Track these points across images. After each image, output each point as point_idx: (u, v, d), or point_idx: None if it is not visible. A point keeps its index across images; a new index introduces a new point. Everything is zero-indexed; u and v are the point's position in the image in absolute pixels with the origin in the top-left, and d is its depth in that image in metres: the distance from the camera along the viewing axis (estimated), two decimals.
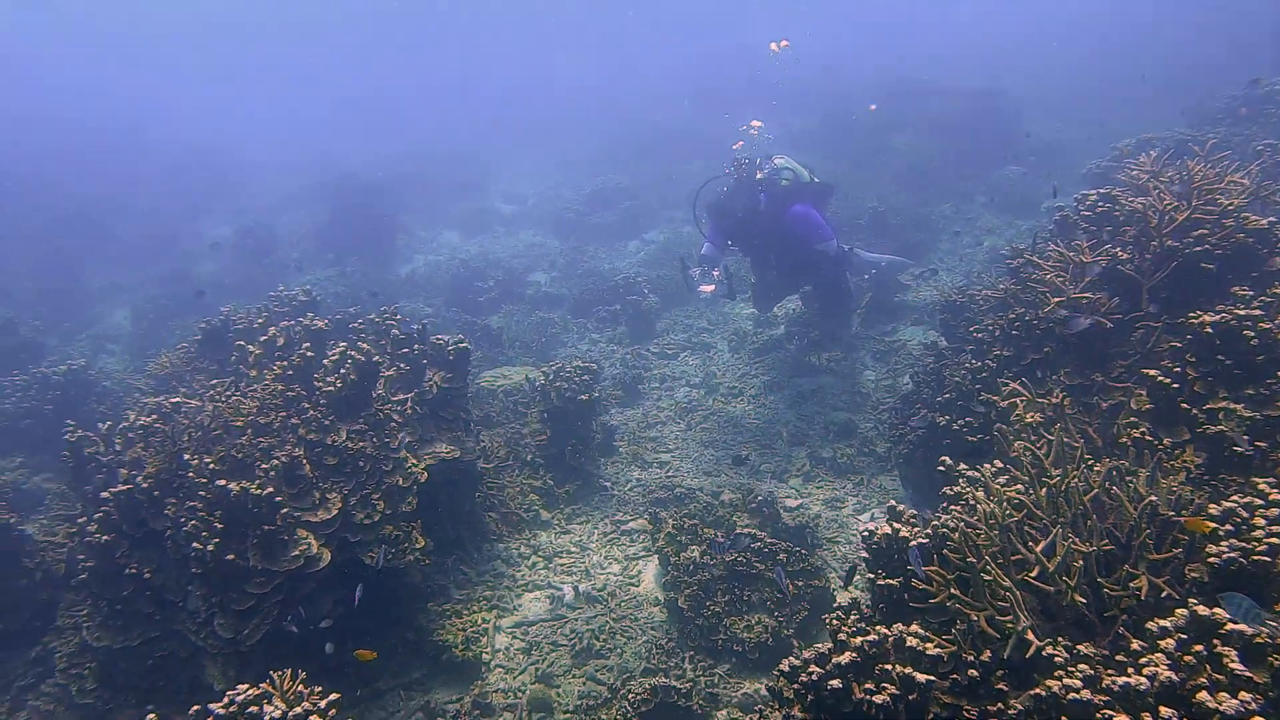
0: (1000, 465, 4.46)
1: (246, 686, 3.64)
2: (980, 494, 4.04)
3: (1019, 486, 4.01)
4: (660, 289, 12.53)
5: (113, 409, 9.93)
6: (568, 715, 5.51)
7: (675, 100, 25.98)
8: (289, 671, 3.99)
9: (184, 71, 48.49)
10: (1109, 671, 2.99)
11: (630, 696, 5.31)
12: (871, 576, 4.00)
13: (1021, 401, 5.16)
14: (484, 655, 5.99)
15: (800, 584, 5.95)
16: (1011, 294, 5.99)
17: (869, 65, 27.06)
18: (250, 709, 3.46)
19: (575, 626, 6.30)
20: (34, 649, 6.42)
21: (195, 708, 3.67)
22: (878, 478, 7.77)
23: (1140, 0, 32.22)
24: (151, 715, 3.95)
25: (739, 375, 10.10)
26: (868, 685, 3.28)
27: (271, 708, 3.46)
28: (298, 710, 3.43)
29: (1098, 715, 2.80)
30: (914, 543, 3.75)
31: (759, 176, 8.56)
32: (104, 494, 5.66)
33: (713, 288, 8.32)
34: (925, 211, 14.00)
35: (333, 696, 3.71)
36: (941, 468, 4.81)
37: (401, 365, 6.58)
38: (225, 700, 3.56)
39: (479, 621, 6.29)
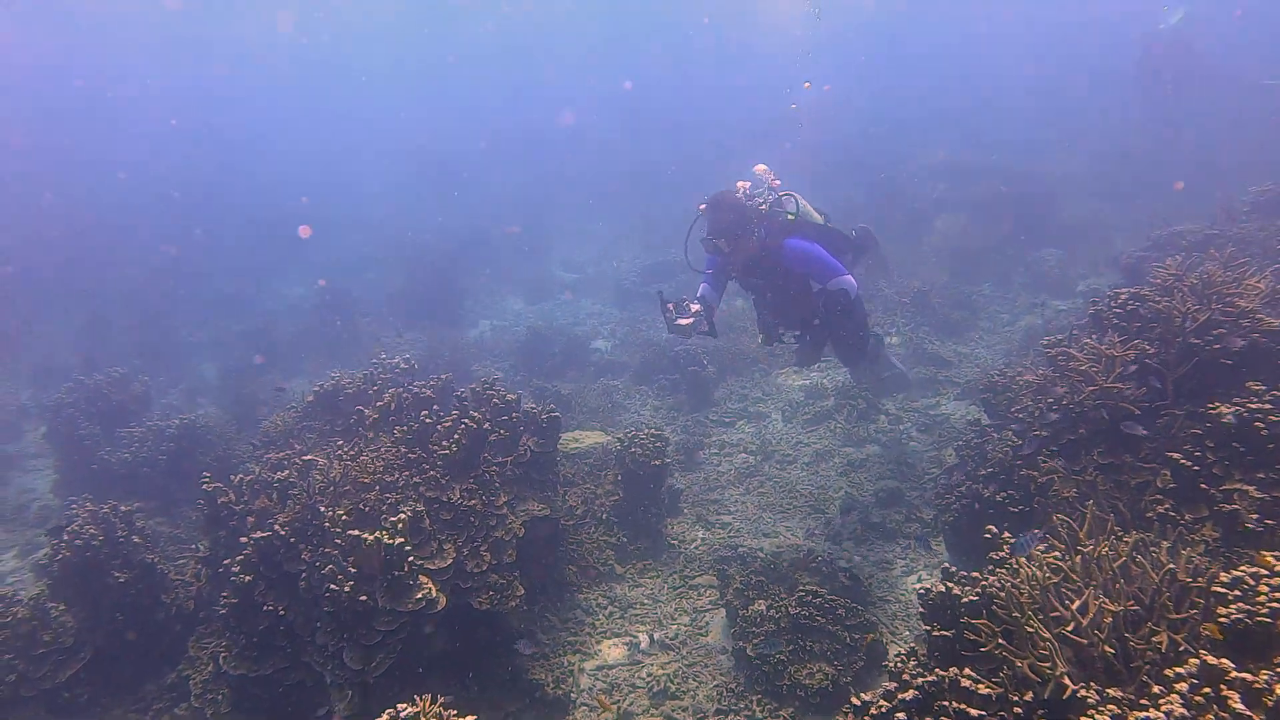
0: (1039, 533, 5.10)
1: (405, 706, 4.35)
2: (1023, 559, 4.68)
3: (1056, 554, 4.65)
4: (716, 360, 13.26)
5: (217, 459, 10.83)
6: None
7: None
8: (429, 697, 4.71)
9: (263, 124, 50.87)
10: (1134, 713, 3.60)
11: None
12: (927, 629, 4.55)
13: (1059, 478, 5.83)
14: (571, 694, 6.67)
15: (856, 637, 6.58)
16: (1049, 380, 6.66)
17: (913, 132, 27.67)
18: None
19: (651, 670, 6.95)
20: (169, 676, 7.21)
21: None
22: (924, 543, 8.29)
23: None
24: None
25: (793, 444, 10.75)
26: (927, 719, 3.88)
27: None
28: None
29: None
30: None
31: (761, 208, 7.77)
32: (243, 539, 6.47)
33: (690, 320, 7.60)
34: (966, 290, 14.67)
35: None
36: (988, 535, 5.42)
37: (501, 431, 7.38)
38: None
39: (565, 664, 6.99)
